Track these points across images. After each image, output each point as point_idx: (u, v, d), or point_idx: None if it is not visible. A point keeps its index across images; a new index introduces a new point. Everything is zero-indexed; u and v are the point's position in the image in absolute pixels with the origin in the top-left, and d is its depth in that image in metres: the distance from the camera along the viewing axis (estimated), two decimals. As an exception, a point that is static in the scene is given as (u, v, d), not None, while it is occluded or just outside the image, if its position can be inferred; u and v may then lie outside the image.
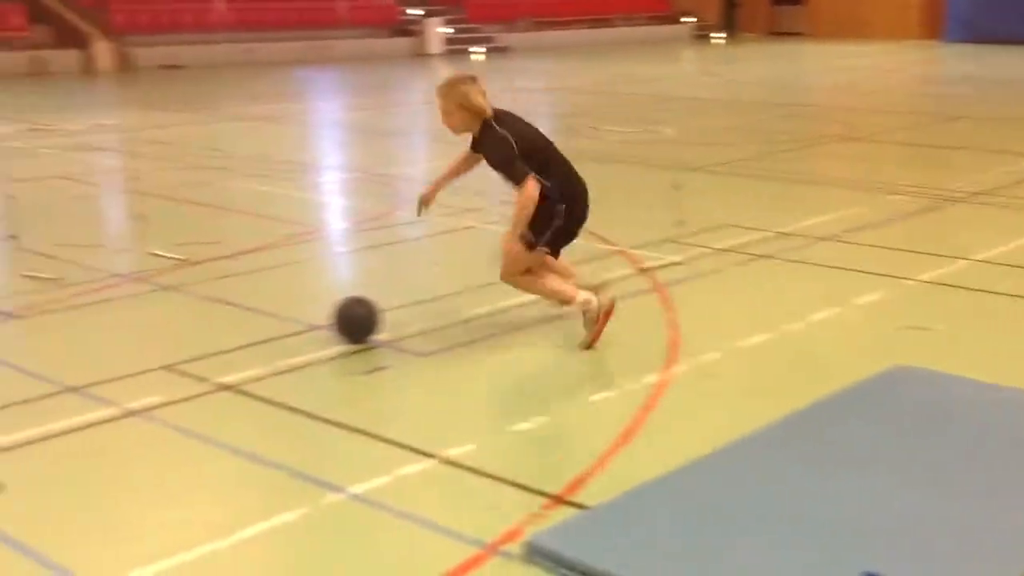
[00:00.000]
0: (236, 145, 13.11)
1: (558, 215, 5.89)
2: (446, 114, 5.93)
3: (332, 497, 4.20)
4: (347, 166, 12.24)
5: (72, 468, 4.47)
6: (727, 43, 33.63)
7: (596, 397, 5.22)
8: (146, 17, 24.10)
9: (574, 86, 20.69)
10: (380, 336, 5.96)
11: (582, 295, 5.93)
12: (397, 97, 19.72)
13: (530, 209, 5.73)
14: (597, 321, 5.89)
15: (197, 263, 7.50)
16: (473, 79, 5.97)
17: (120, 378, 5.40)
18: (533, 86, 21.15)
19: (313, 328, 6.16)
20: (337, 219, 9.52)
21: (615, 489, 4.16)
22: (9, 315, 6.40)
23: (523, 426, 4.89)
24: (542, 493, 4.19)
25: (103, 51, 23.00)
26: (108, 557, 3.75)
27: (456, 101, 5.86)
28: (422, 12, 28.17)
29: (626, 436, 4.75)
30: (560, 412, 5.08)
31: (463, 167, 6.35)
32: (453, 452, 4.56)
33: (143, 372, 5.49)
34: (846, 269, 7.42)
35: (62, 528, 3.97)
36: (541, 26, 31.19)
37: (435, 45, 27.36)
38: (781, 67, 25.24)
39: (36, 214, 8.61)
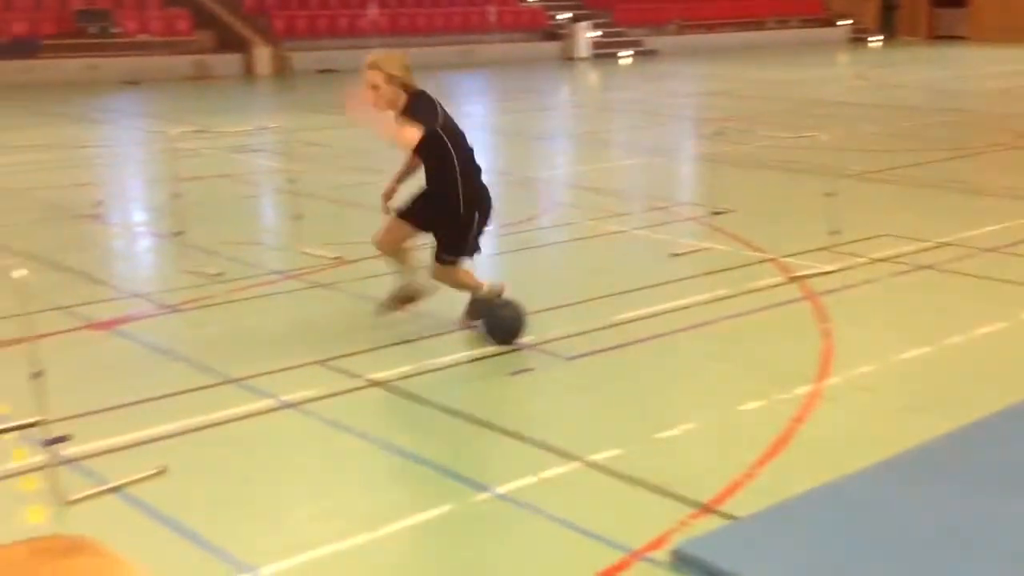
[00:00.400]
0: (387, 148, 13.37)
1: (470, 224, 6.01)
2: (373, 88, 5.80)
3: (478, 495, 4.24)
4: (494, 169, 12.33)
5: (231, 456, 4.64)
6: (884, 47, 32.60)
7: (746, 407, 5.13)
8: (304, 23, 24.87)
9: (724, 90, 20.39)
10: (527, 338, 5.99)
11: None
12: (544, 101, 19.81)
13: (389, 137, 5.85)
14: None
15: (350, 262, 7.69)
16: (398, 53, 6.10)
17: (277, 371, 5.58)
18: (682, 90, 20.95)
19: (461, 328, 6.24)
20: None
21: (764, 501, 4.08)
22: (174, 309, 6.69)
23: (670, 433, 4.85)
24: (689, 501, 4.15)
25: (263, 56, 23.81)
26: (263, 543, 3.88)
27: (389, 71, 5.79)
28: (570, 16, 28.24)
29: (776, 447, 4.66)
30: (708, 420, 5.01)
31: (416, 162, 6.26)
32: (599, 456, 4.55)
33: (298, 366, 5.65)
34: (1011, 282, 7.11)
35: (220, 512, 4.12)
36: (690, 29, 30.86)
37: (583, 49, 27.38)
38: (941, 72, 24.33)
39: (200, 212, 8.96)
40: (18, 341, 4.94)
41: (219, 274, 7.32)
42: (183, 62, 23.08)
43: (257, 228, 9.36)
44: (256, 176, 11.61)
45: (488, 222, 6.20)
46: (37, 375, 4.00)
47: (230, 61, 23.68)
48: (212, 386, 5.37)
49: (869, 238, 8.21)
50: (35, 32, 21.56)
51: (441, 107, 5.98)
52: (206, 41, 24.14)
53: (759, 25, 32.34)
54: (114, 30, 22.36)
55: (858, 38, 33.73)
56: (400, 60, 5.96)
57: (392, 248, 6.28)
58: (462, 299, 6.82)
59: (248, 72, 23.67)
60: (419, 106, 5.85)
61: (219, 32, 24.31)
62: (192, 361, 5.69)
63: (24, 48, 21.18)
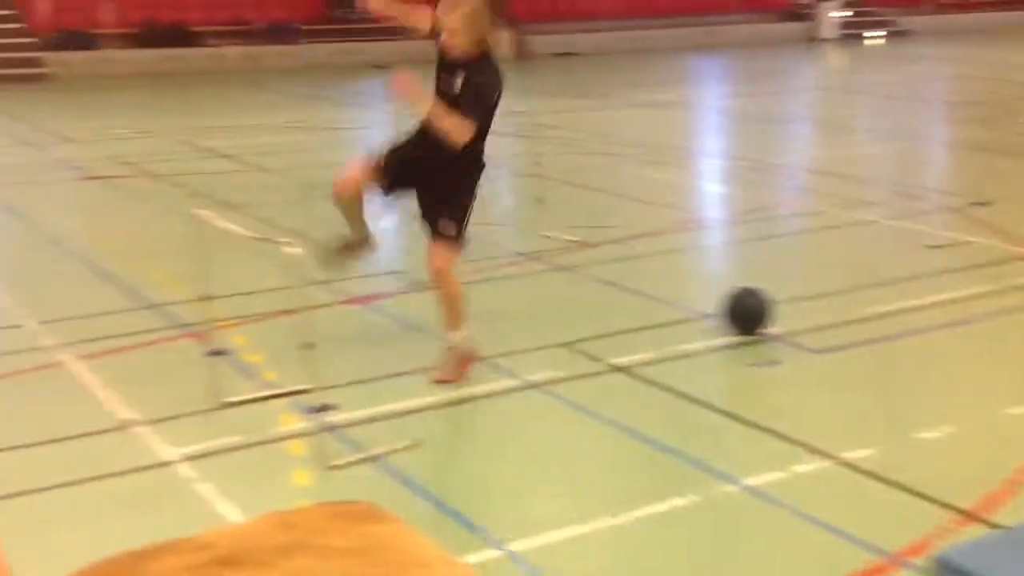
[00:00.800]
0: (628, 131, 13.38)
1: (476, 195, 5.33)
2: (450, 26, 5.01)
3: (725, 487, 4.19)
4: (734, 154, 12.12)
5: (479, 432, 4.79)
6: None
7: (1013, 410, 4.83)
8: (545, 5, 25.16)
9: (983, 74, 19.21)
10: (772, 329, 5.86)
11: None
12: (786, 84, 19.26)
13: (447, 132, 4.96)
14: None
15: (591, 246, 7.73)
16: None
17: (522, 351, 5.68)
18: (937, 73, 19.88)
19: (703, 316, 6.17)
20: (724, 208, 9.46)
21: (1033, 512, 3.84)
22: (425, 287, 6.91)
23: (929, 434, 4.63)
24: (951, 507, 3.95)
25: (503, 39, 24.28)
26: (511, 519, 3.97)
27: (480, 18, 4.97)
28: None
29: (1048, 455, 4.37)
30: (971, 422, 4.75)
31: (411, 18, 5.52)
32: (852, 454, 4.40)
33: (542, 347, 5.74)
34: None
35: (469, 485, 4.26)
36: (947, 8, 29.20)
37: (828, 29, 26.41)
38: None
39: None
40: (286, 312, 5.27)
41: (467, 254, 7.50)
42: (429, 46, 23.81)
43: (503, 210, 9.56)
44: (501, 159, 11.85)
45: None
46: (308, 346, 4.23)
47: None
48: (462, 364, 5.53)
49: None
50: (292, 17, 22.78)
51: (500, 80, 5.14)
52: (451, 26, 24.78)
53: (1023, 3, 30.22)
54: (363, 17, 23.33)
55: None
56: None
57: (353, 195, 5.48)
58: (701, 288, 6.75)
59: (490, 56, 24.16)
60: (486, 76, 5.04)
61: (463, 17, 24.92)
62: (443, 338, 5.87)
63: (283, 33, 22.41)
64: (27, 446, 4.61)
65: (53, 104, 16.70)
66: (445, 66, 5.16)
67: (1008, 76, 18.57)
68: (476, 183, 5.39)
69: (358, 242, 5.71)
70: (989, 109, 13.98)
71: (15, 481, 4.28)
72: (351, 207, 5.55)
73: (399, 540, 1.93)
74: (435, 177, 5.26)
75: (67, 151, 12.15)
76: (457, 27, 4.99)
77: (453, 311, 5.36)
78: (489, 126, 5.21)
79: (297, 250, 4.27)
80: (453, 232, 5.32)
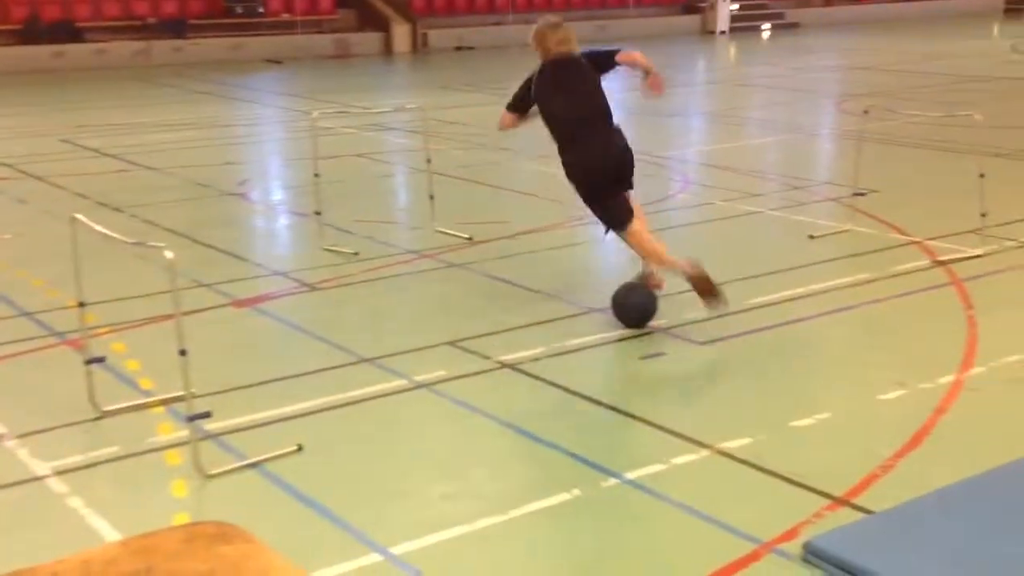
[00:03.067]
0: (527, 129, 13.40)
1: (579, 192, 6.16)
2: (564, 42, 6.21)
3: (607, 481, 4.23)
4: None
5: (364, 434, 4.73)
6: (1042, 16, 31.00)
7: (885, 396, 4.98)
8: (442, 1, 25.10)
9: (869, 64, 19.74)
10: (659, 322, 5.93)
11: None
12: (680, 77, 19.52)
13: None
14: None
15: (482, 242, 7.74)
16: (556, 25, 6.25)
17: (410, 351, 5.66)
18: (824, 64, 20.36)
19: (591, 311, 6.22)
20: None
21: (901, 495, 3.97)
22: (312, 287, 6.85)
23: (805, 422, 4.74)
24: (823, 493, 4.05)
25: (402, 34, 24.12)
26: (396, 522, 3.95)
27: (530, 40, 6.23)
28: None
29: (916, 440, 4.51)
30: (845, 410, 4.88)
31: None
32: (730, 444, 4.48)
33: (431, 347, 5.72)
34: None
35: (353, 490, 4.22)
36: (836, 1, 29.94)
37: (722, 22, 26.87)
38: (1105, 42, 23.01)
39: (338, 191, 9.15)
40: (166, 318, 5.16)
41: (356, 253, 7.46)
42: (325, 41, 23.56)
43: (393, 207, 9.51)
44: (392, 155, 11.79)
45: (596, 192, 6.09)
46: (183, 352, 4.15)
47: (370, 39, 24.05)
48: (347, 365, 5.49)
49: (1021, 220, 7.85)
50: (183, 12, 22.31)
51: (544, 83, 6.13)
52: (347, 20, 24.57)
53: (908, -5, 31.15)
54: (260, 10, 22.95)
55: (1013, 8, 32.17)
56: (535, 30, 6.27)
57: None
58: (591, 282, 6.82)
59: (387, 50, 24.01)
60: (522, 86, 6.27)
61: (360, 10, 24.70)
62: (329, 340, 5.83)
63: (173, 28, 21.94)
64: None
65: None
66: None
67: (892, 66, 19.11)
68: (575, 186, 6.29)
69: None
70: (873, 99, 14.36)
71: None
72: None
73: (252, 561, 1.90)
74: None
75: (-57, 153, 11.72)
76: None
77: (646, 254, 6.13)
78: (553, 138, 6.28)
79: (171, 255, 4.16)
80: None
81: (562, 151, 6.14)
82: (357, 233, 8.04)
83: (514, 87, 6.38)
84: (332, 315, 6.35)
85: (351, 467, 4.42)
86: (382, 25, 24.28)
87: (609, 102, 6.17)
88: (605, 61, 6.22)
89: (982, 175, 7.27)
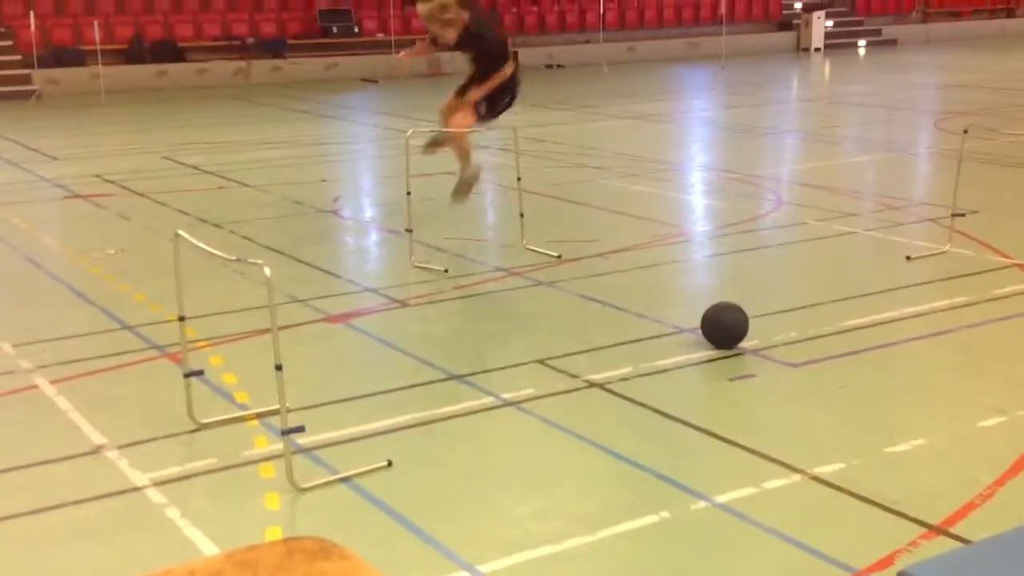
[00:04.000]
0: (613, 143, 13.42)
1: (510, 94, 8.08)
2: (428, 21, 8.04)
3: (697, 504, 4.20)
4: (719, 166, 12.16)
5: (453, 451, 4.77)
6: None
7: (984, 423, 4.85)
8: (532, 19, 25.24)
9: (969, 82, 19.29)
10: (750, 343, 5.87)
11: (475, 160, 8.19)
12: (774, 95, 19.32)
13: (499, 83, 7.96)
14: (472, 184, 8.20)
15: (571, 260, 7.75)
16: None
17: (498, 369, 5.69)
18: (922, 81, 19.96)
19: (681, 331, 6.19)
20: (707, 221, 9.48)
21: (1000, 525, 3.85)
22: (403, 304, 6.94)
23: (900, 448, 4.64)
24: (918, 521, 3.96)
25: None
26: (483, 539, 3.97)
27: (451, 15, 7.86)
28: (801, 5, 27.40)
29: (1016, 468, 4.39)
30: (943, 435, 4.77)
31: (427, 49, 8.72)
32: (823, 469, 4.41)
33: (519, 364, 5.75)
34: None
35: (442, 507, 4.25)
36: (935, 17, 29.34)
37: (817, 39, 26.52)
38: None
39: (429, 208, 9.26)
40: (262, 333, 5.28)
41: (446, 270, 7.53)
42: (418, 60, 23.86)
43: (483, 225, 9.58)
44: (484, 173, 11.87)
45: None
46: (279, 367, 4.24)
47: (462, 58, 24.30)
48: (436, 382, 5.54)
49: None
50: (282, 32, 22.82)
51: (491, 15, 8.39)
52: (439, 39, 24.85)
53: (1011, 12, 30.36)
54: (355, 30, 23.37)
55: (1123, 21, 31.16)
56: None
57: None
58: (680, 302, 6.78)
59: (478, 69, 24.21)
60: (485, 36, 8.11)
61: (451, 30, 24.98)
62: (419, 356, 5.89)
63: (271, 48, 22.45)
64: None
65: (40, 122, 16.71)
66: (461, 50, 8.23)
67: (994, 84, 18.65)
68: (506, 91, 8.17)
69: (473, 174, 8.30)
70: (973, 118, 14.03)
71: (-15, 507, 4.27)
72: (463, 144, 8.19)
73: (351, 577, 1.94)
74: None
75: (52, 169, 12.16)
76: (439, 31, 7.97)
77: (463, 152, 8.37)
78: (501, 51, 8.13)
79: (269, 270, 4.26)
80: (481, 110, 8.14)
81: (507, 64, 8.07)
82: (448, 250, 8.12)
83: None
84: (422, 331, 6.42)
85: (439, 483, 4.45)
86: (474, 44, 24.51)
87: None
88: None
89: None
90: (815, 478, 4.36)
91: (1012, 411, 4.95)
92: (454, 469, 4.59)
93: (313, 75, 22.30)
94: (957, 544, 3.79)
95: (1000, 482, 4.26)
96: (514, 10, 25.12)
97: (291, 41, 22.77)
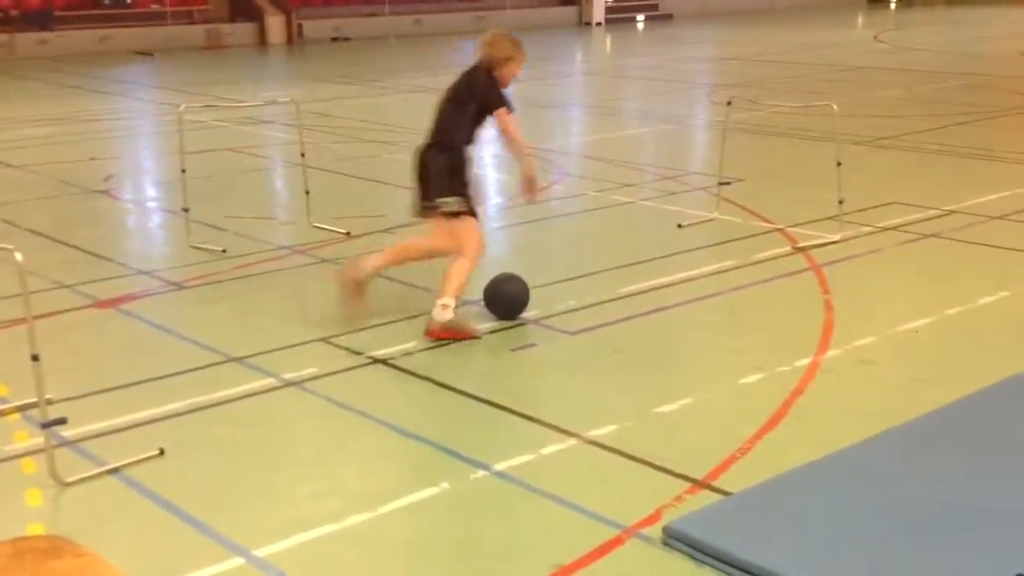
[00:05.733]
0: (400, 117, 13.38)
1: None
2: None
3: (477, 473, 4.26)
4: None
5: (230, 436, 4.66)
6: (904, 7, 32.21)
7: (745, 380, 5.13)
8: (317, -10, 24.81)
9: (739, 55, 20.21)
10: (530, 313, 5.99)
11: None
12: (557, 68, 19.69)
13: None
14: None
15: (358, 236, 7.69)
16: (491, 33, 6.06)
17: (280, 349, 5.60)
18: (697, 55, 20.77)
19: (466, 303, 6.24)
20: (495, 194, 9.59)
21: (759, 476, 4.09)
22: (179, 286, 6.72)
23: (668, 408, 4.85)
24: (684, 477, 4.16)
25: (275, 24, 23.74)
26: (261, 524, 3.91)
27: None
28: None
29: (773, 421, 4.66)
30: (707, 394, 5.01)
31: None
32: (596, 432, 4.56)
33: (302, 344, 5.68)
34: (1016, 250, 7.05)
35: (218, 493, 4.15)
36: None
37: (598, 13, 27.17)
38: (960, 33, 24.03)
39: (208, 187, 8.99)
40: (20, 322, 5.00)
41: (223, 250, 7.34)
42: (196, 31, 23.07)
43: (265, 202, 9.37)
44: (267, 149, 11.62)
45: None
46: (35, 358, 4.03)
47: (243, 30, 23.63)
48: (214, 365, 5.40)
49: (878, 206, 8.16)
50: (48, 3, 21.57)
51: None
52: (219, 10, 24.09)
53: (778, -14, 31.99)
54: (127, 0, 22.34)
55: (877, -1, 33.38)
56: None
57: None
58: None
59: (261, 41, 23.62)
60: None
61: (232, 1, 24.24)
62: (195, 340, 5.73)
63: (38, 19, 21.20)
64: None
65: None
66: None
67: (764, 57, 19.61)
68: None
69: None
70: (744, 90, 14.72)
71: None
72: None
73: (83, 575, 1.87)
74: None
75: None
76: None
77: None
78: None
79: (20, 256, 4.03)
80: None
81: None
82: (228, 230, 7.91)
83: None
84: (199, 314, 6.24)
85: (215, 470, 4.35)
86: (255, 15, 23.88)
87: (455, 123, 5.86)
88: (487, 101, 5.81)
89: (839, 163, 7.52)
90: (590, 441, 4.50)
91: (771, 367, 5.25)
92: (232, 454, 4.50)
93: (84, 48, 21.20)
94: (718, 496, 3.99)
95: (759, 435, 4.52)
96: (297, -18, 24.59)
97: (59, 12, 21.57)
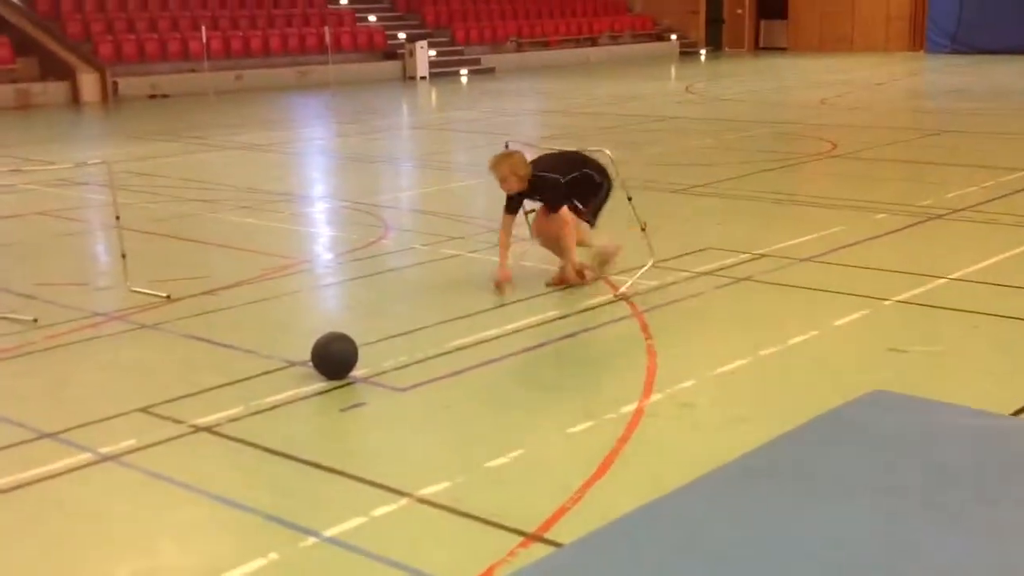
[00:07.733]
0: (222, 175, 13.12)
1: (602, 194, 7.74)
2: (503, 180, 7.54)
3: (306, 540, 4.17)
4: (331, 195, 12.24)
5: (39, 519, 4.43)
6: (713, 59, 33.77)
7: (574, 429, 5.20)
8: (131, 47, 24.14)
9: (557, 108, 20.73)
10: (360, 371, 5.94)
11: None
12: (384, 123, 19.75)
13: (573, 231, 7.57)
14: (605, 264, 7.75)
15: (179, 300, 7.48)
16: (517, 152, 7.71)
17: (97, 422, 5.37)
18: (517, 108, 21.18)
19: (292, 364, 6.14)
20: (323, 250, 9.50)
21: (590, 525, 4.14)
22: (-14, 358, 6.37)
23: (499, 461, 4.87)
24: (516, 531, 4.17)
25: (89, 82, 23.00)
26: (78, 609, 3.72)
27: (510, 170, 7.50)
28: (405, 36, 28.25)
29: (602, 469, 4.73)
30: (537, 445, 5.06)
31: (509, 232, 7.73)
32: (428, 491, 4.54)
33: (120, 415, 5.46)
34: (825, 291, 7.43)
35: (32, 580, 3.94)
36: (527, 46, 31.29)
37: (422, 68, 27.43)
38: (765, 83, 25.31)
39: (17, 253, 8.59)
40: None
41: (36, 320, 7.01)
42: (4, 91, 22.13)
43: (80, 267, 9.01)
44: (79, 211, 11.20)
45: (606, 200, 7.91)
46: None
47: (55, 89, 22.81)
48: (23, 443, 5.12)
49: (693, 252, 8.46)
50: None
51: (552, 169, 7.73)
52: (29, 69, 23.19)
53: (594, 41, 33.02)
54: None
55: (688, 51, 34.86)
56: (512, 159, 7.67)
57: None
58: (291, 335, 6.72)
59: (75, 100, 22.83)
60: (548, 190, 7.65)
61: (42, 59, 23.39)
62: (3, 416, 5.43)
63: None
64: None
65: None
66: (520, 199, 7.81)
67: (583, 109, 20.16)
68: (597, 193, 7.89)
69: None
70: (558, 142, 15.08)
71: None
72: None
73: None
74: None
75: None
76: (509, 187, 7.62)
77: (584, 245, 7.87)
78: (582, 171, 7.81)
79: None
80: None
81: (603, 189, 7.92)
82: (39, 298, 7.57)
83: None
84: (7, 388, 5.92)
85: (20, 558, 4.10)
86: (67, 74, 23.09)
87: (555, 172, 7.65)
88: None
89: (630, 198, 7.76)
90: (421, 500, 4.47)
91: (599, 415, 5.34)
92: (40, 539, 4.26)
93: None
94: (550, 549, 4.02)
95: (589, 484, 4.58)
96: (110, 38, 23.92)
97: None
